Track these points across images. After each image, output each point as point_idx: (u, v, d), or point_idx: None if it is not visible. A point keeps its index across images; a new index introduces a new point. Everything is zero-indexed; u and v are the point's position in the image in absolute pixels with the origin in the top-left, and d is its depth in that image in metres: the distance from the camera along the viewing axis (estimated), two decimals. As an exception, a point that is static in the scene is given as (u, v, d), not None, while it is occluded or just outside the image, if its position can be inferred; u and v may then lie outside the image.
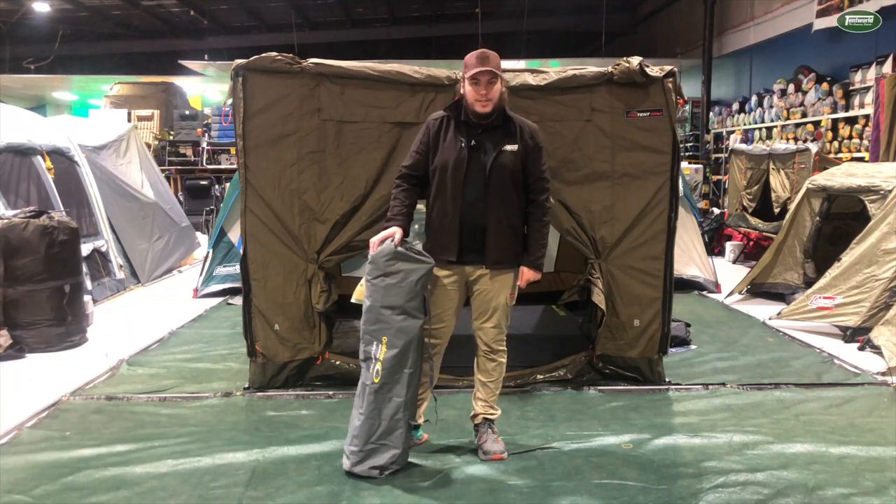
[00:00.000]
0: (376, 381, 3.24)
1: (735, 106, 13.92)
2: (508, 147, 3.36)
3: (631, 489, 3.16)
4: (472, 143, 3.35)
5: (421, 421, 3.60)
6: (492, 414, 3.57)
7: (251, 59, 4.15)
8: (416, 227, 3.60)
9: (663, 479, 3.26)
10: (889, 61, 9.25)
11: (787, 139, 11.20)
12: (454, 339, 3.66)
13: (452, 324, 3.54)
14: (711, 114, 15.00)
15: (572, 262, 6.69)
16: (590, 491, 3.14)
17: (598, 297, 4.34)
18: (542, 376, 4.54)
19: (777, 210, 8.94)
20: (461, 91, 3.40)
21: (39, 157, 6.66)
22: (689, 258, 7.50)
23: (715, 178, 13.52)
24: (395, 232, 3.30)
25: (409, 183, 3.46)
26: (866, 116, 9.49)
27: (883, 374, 4.75)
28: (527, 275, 3.48)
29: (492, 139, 3.37)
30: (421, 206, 3.63)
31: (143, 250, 8.15)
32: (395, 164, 4.17)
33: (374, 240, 3.32)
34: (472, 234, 3.36)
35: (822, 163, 8.36)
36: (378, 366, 3.24)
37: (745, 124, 13.30)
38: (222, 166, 14.20)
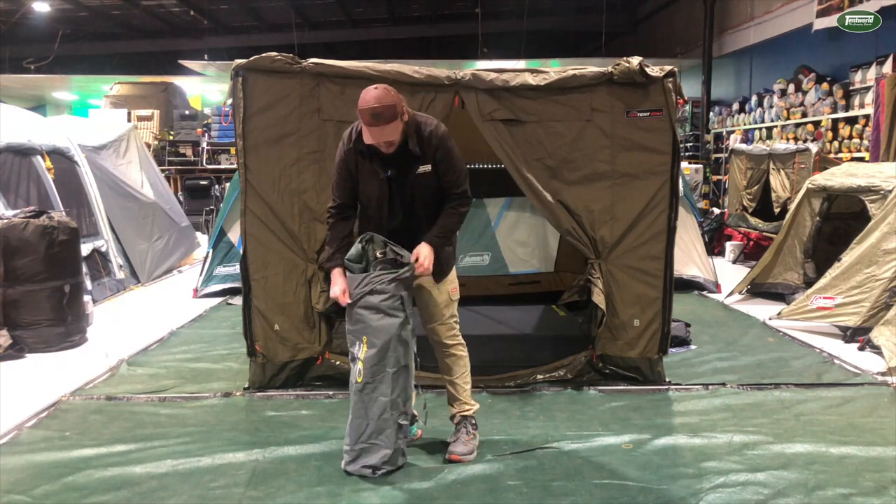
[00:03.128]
0: (359, 380, 3.24)
1: (735, 106, 13.93)
2: (422, 169, 3.29)
3: (631, 489, 3.15)
4: (389, 173, 3.29)
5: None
6: (466, 410, 3.57)
7: (251, 59, 4.15)
8: None
9: (663, 479, 3.26)
10: (889, 61, 9.25)
11: (787, 139, 11.19)
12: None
13: None
14: (711, 114, 15.00)
15: (572, 262, 6.69)
16: (590, 491, 3.14)
17: (598, 297, 4.34)
18: (542, 376, 4.54)
19: (777, 210, 8.94)
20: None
21: (39, 157, 6.66)
22: (689, 258, 7.50)
23: (715, 178, 13.52)
24: (340, 282, 3.31)
25: (341, 214, 3.42)
26: (866, 116, 9.49)
27: (883, 374, 4.75)
28: (423, 250, 3.25)
29: (405, 164, 3.28)
30: None
31: (143, 250, 8.15)
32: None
33: (336, 296, 3.32)
34: None
35: (822, 163, 8.36)
36: (360, 365, 3.24)
37: (745, 124, 13.30)
38: (222, 166, 14.21)
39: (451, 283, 3.51)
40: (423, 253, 3.26)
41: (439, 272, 3.40)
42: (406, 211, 3.36)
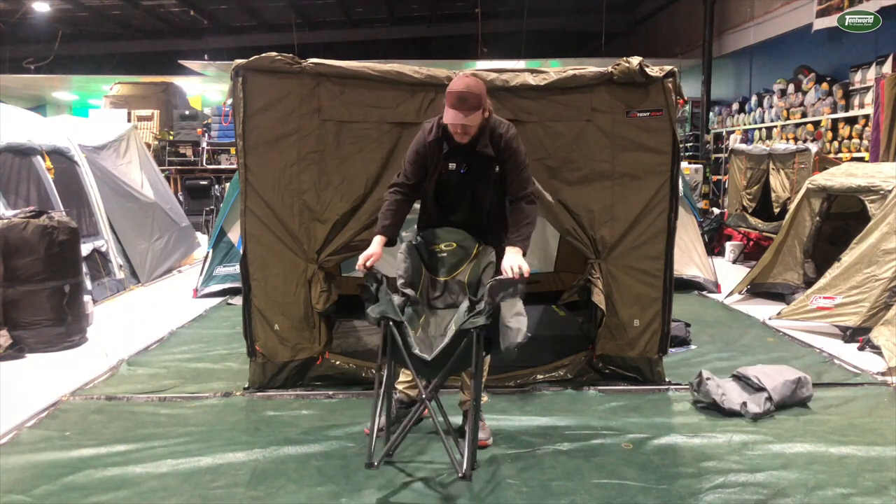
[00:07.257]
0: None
1: (735, 106, 13.92)
2: (489, 168, 3.41)
3: (631, 489, 3.16)
4: (459, 168, 3.42)
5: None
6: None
7: (251, 59, 4.15)
8: (403, 233, 3.65)
9: (663, 479, 3.26)
10: (889, 61, 9.25)
11: (787, 139, 11.19)
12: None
13: None
14: (711, 114, 14.99)
15: (572, 262, 6.68)
16: (590, 491, 3.14)
17: (598, 297, 4.34)
18: (542, 376, 4.54)
19: (777, 210, 8.94)
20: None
21: (39, 157, 6.66)
22: (689, 258, 7.50)
23: (715, 178, 13.52)
24: (375, 254, 3.36)
25: (403, 193, 3.52)
26: (866, 116, 9.49)
27: (883, 374, 4.75)
28: (512, 260, 3.23)
29: (475, 163, 3.42)
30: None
31: (143, 250, 8.15)
32: (395, 164, 4.17)
33: (361, 259, 3.35)
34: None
35: (822, 163, 8.36)
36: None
37: (745, 124, 13.29)
38: (222, 166, 14.20)
39: None
40: (514, 262, 3.21)
41: None
42: (469, 206, 3.48)
